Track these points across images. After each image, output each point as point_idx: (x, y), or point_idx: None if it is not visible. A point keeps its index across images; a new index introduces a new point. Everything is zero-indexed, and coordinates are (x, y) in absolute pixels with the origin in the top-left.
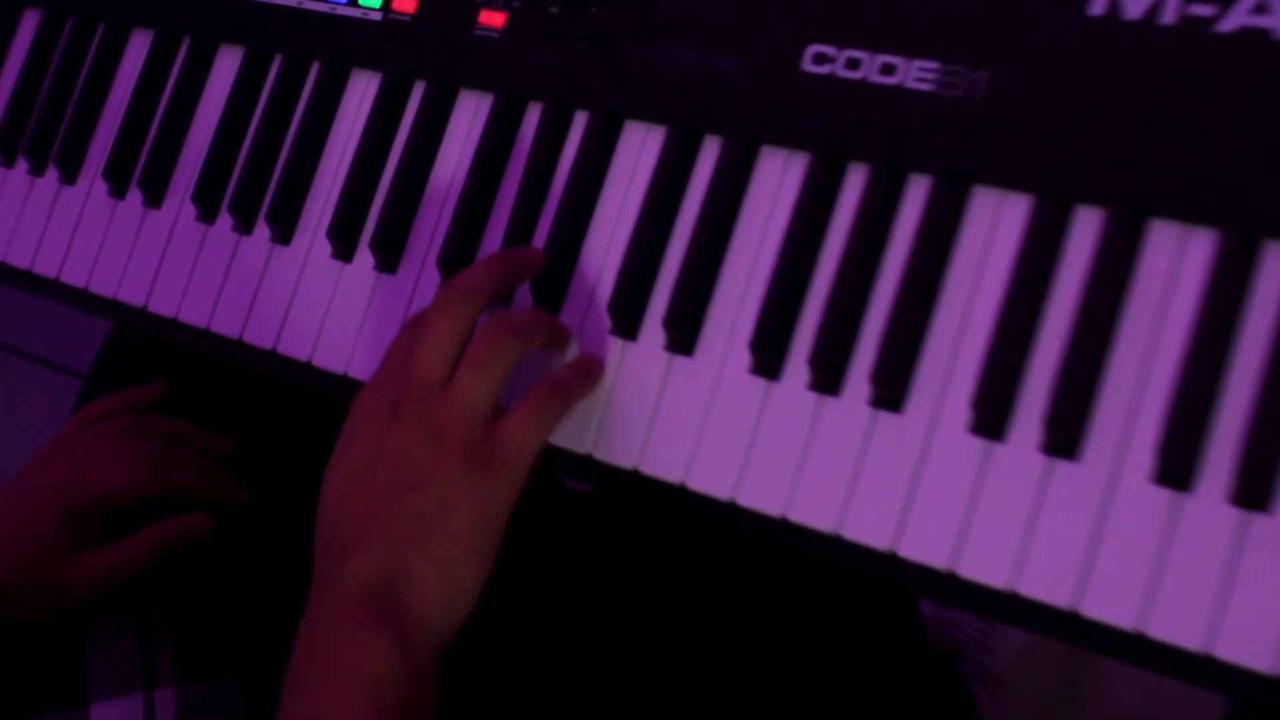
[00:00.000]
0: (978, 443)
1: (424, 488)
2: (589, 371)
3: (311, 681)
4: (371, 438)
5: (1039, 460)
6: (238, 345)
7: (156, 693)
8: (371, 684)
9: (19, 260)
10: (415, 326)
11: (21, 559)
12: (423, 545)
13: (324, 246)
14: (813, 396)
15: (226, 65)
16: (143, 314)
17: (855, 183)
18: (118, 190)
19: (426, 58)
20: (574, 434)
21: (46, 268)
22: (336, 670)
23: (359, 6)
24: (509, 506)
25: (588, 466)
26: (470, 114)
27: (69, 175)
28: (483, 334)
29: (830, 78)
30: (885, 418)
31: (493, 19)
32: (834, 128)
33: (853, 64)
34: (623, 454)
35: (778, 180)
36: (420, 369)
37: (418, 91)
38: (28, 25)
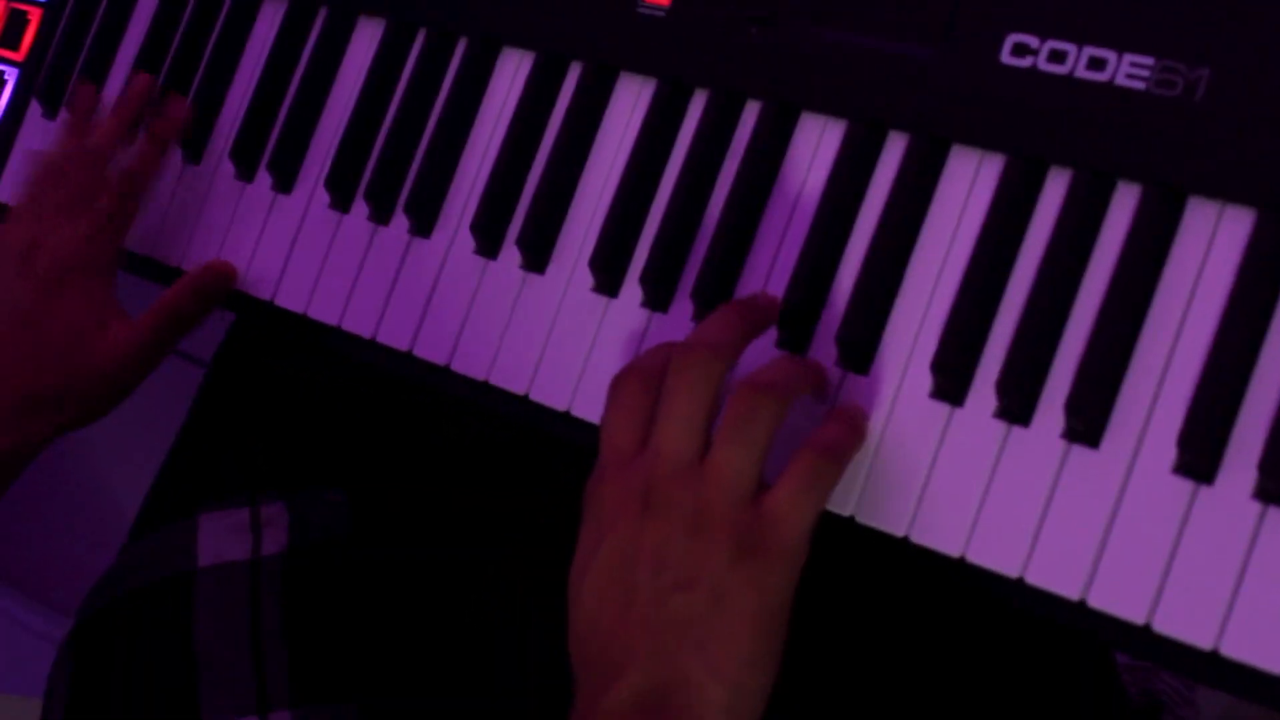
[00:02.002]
0: (1182, 484)
1: (693, 586)
2: (856, 424)
3: None
4: (622, 534)
5: (1254, 509)
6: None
7: (271, 716)
8: None
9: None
10: (638, 389)
11: (52, 364)
12: (699, 652)
13: (467, 241)
14: (999, 426)
15: (365, 39)
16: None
17: (1056, 190)
18: (245, 174)
19: (584, 37)
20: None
21: (165, 254)
22: None
23: None
24: (790, 593)
25: None
26: (631, 100)
27: (194, 155)
28: (740, 400)
29: (1032, 71)
30: (1079, 453)
31: None
32: (1034, 128)
33: (1057, 57)
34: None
35: (968, 184)
36: (669, 448)
37: (574, 74)
38: None
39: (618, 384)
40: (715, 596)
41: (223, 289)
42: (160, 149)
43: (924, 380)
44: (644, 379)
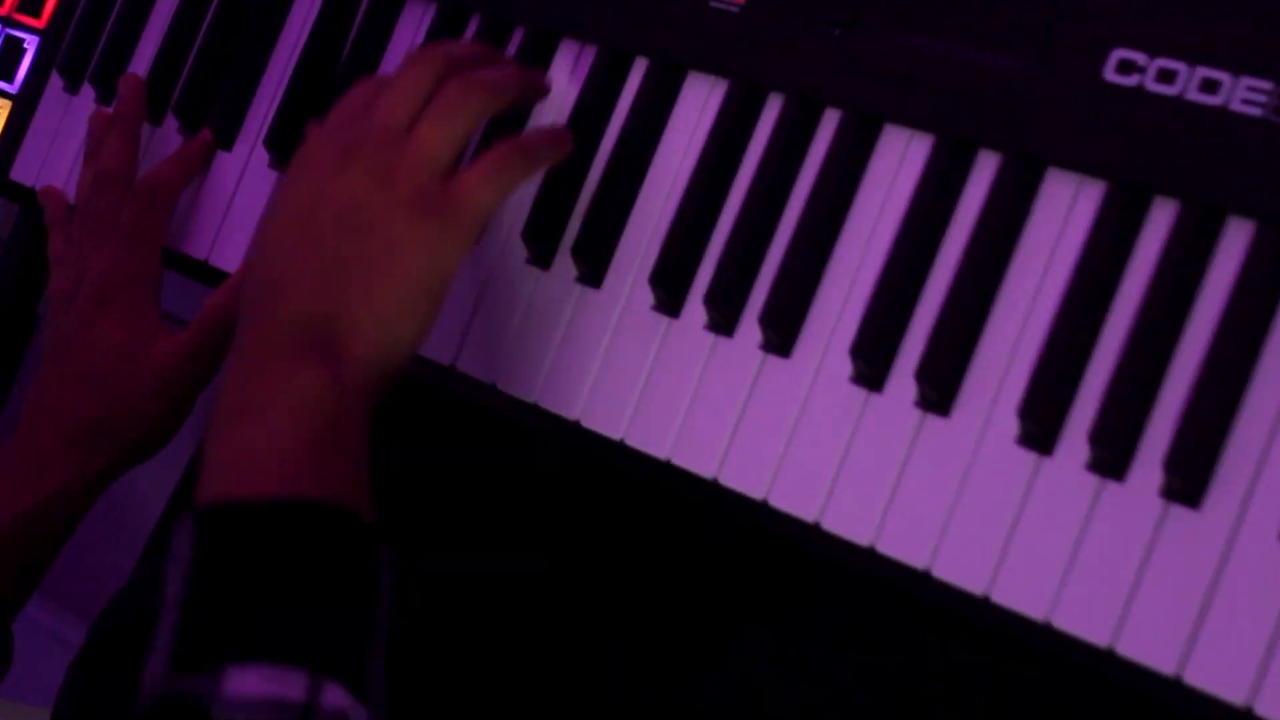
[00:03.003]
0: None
1: (370, 232)
2: (559, 139)
3: (241, 415)
4: (318, 179)
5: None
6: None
7: None
8: (304, 415)
9: (193, 250)
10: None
11: (98, 389)
12: (362, 291)
13: (519, 250)
14: (1092, 480)
15: (412, 20)
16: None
17: (1160, 222)
18: (280, 161)
19: (651, 31)
20: None
21: (191, 246)
22: (269, 405)
23: None
24: (454, 264)
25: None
26: (700, 101)
27: (225, 141)
28: (452, 86)
29: (1138, 91)
30: (1179, 512)
31: None
32: (1138, 152)
33: (1166, 76)
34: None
35: (1064, 212)
36: (381, 114)
37: (638, 70)
38: None
39: (404, 63)
40: (388, 246)
41: None
42: (188, 166)
43: (1011, 428)
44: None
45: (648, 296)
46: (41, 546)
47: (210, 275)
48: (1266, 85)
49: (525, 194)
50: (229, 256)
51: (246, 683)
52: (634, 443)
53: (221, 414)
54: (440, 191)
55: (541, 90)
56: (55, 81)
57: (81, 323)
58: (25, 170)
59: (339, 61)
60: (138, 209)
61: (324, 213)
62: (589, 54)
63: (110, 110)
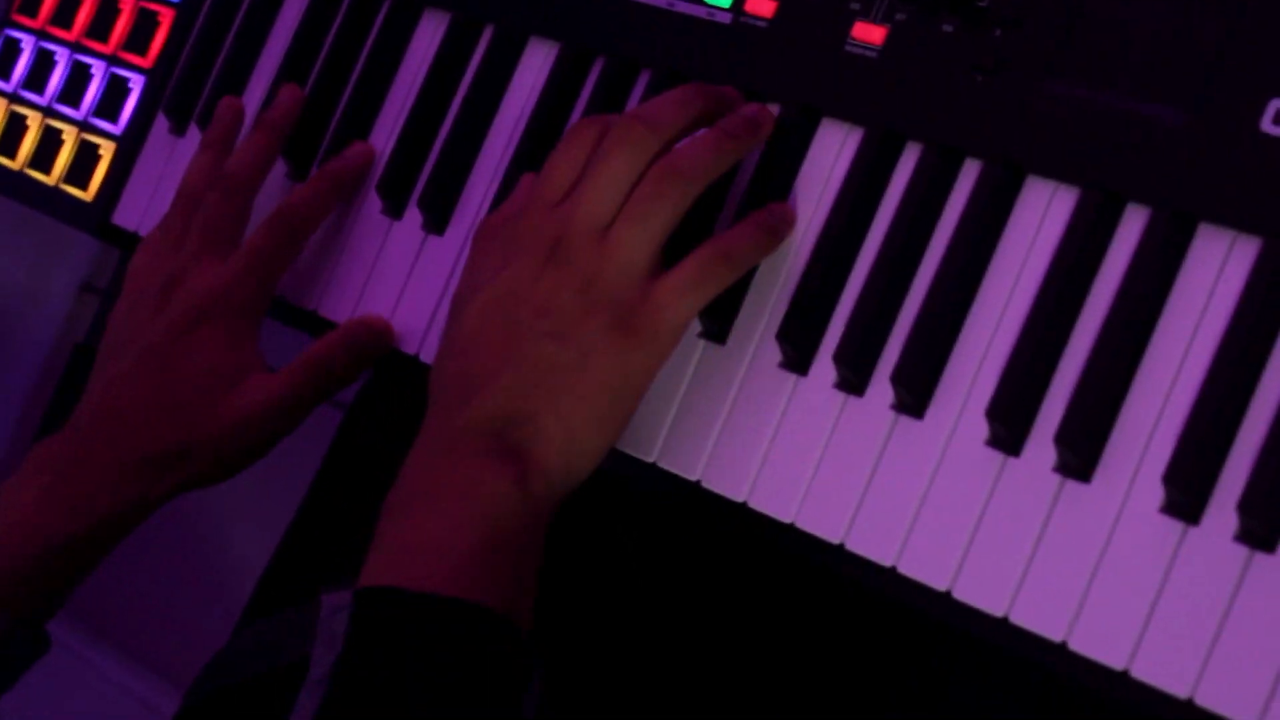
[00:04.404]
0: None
1: (565, 339)
2: (771, 228)
3: (420, 509)
4: (523, 272)
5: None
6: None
7: None
8: (486, 517)
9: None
10: (590, 144)
11: (184, 415)
12: (552, 396)
13: None
14: (1243, 552)
15: (535, 63)
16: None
17: None
18: (393, 209)
19: (784, 74)
20: None
21: (297, 295)
22: (449, 499)
23: (703, 3)
24: (648, 376)
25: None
26: (834, 148)
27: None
28: (648, 180)
29: None
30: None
31: (870, 34)
32: None
33: None
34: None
35: (1217, 268)
36: (587, 208)
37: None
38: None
39: (573, 131)
40: (582, 354)
41: (379, 346)
42: (335, 192)
43: (1156, 496)
44: (599, 136)
45: (775, 353)
46: (87, 560)
47: (316, 325)
48: None
49: None
50: (341, 310)
51: None
52: (756, 505)
53: (399, 496)
54: (638, 301)
55: (760, 137)
56: (161, 123)
57: (171, 336)
58: (128, 215)
59: (457, 99)
60: (268, 236)
61: (523, 312)
62: None
63: (236, 104)
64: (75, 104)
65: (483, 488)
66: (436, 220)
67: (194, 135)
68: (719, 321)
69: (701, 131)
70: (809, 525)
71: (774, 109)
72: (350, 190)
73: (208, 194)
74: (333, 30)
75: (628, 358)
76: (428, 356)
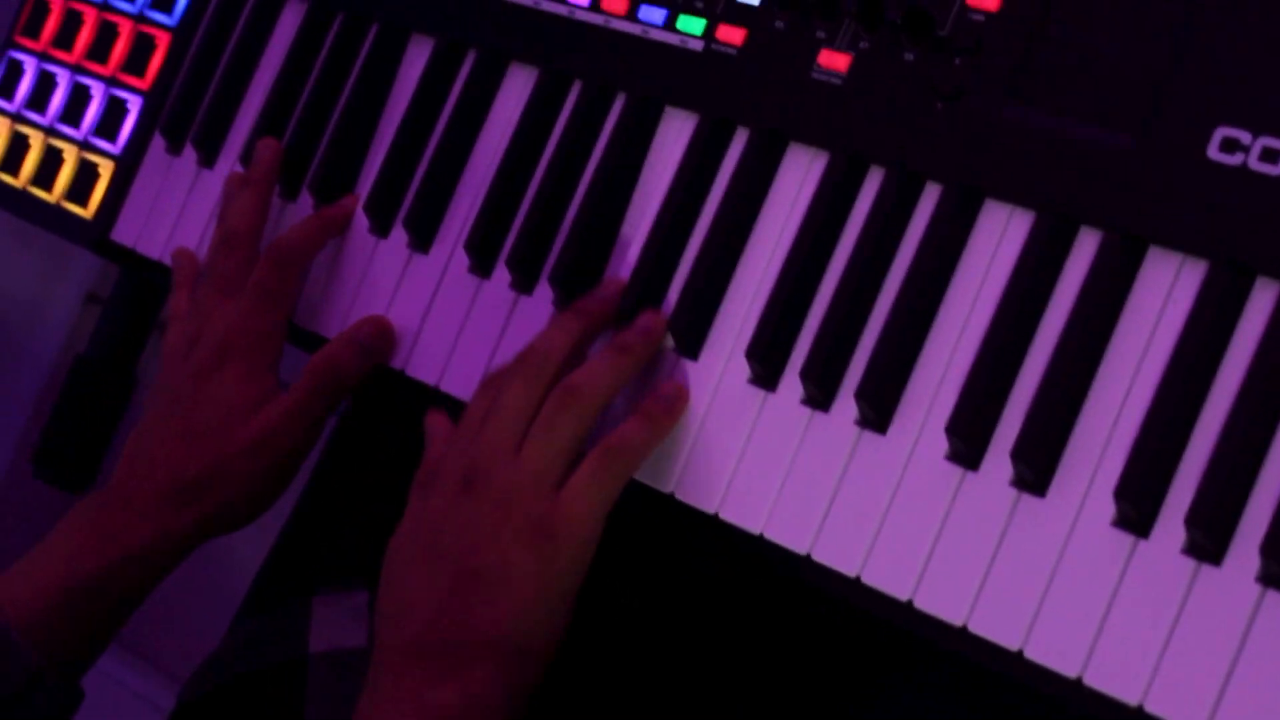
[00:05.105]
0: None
1: (487, 556)
2: (658, 417)
3: None
4: (441, 504)
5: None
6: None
7: None
8: None
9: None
10: (490, 388)
11: (200, 447)
12: (484, 614)
13: None
14: (1190, 565)
15: (516, 87)
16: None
17: (1261, 304)
18: (379, 228)
19: (753, 101)
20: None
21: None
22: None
23: (677, 32)
24: (578, 570)
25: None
26: (799, 172)
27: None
28: (551, 399)
29: (1241, 170)
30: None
31: (835, 61)
32: (1240, 233)
33: (1270, 155)
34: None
35: (1166, 290)
36: (492, 437)
37: (739, 140)
38: (288, 21)
39: (481, 385)
40: (505, 571)
41: (384, 344)
42: (325, 231)
43: (1109, 511)
44: (497, 383)
45: (744, 370)
46: (119, 602)
47: (306, 339)
48: None
49: (628, 263)
50: (330, 326)
51: None
52: (726, 516)
53: None
54: (552, 509)
55: (654, 346)
56: (158, 142)
57: (194, 377)
58: (126, 231)
59: (440, 123)
60: (267, 272)
61: (445, 539)
62: (689, 124)
63: (239, 177)
64: (76, 124)
65: (427, 706)
66: (421, 239)
67: (189, 154)
68: (692, 337)
69: (598, 349)
70: (777, 536)
71: (665, 314)
72: (339, 230)
73: (216, 257)
74: (323, 53)
75: (552, 558)
76: (414, 371)
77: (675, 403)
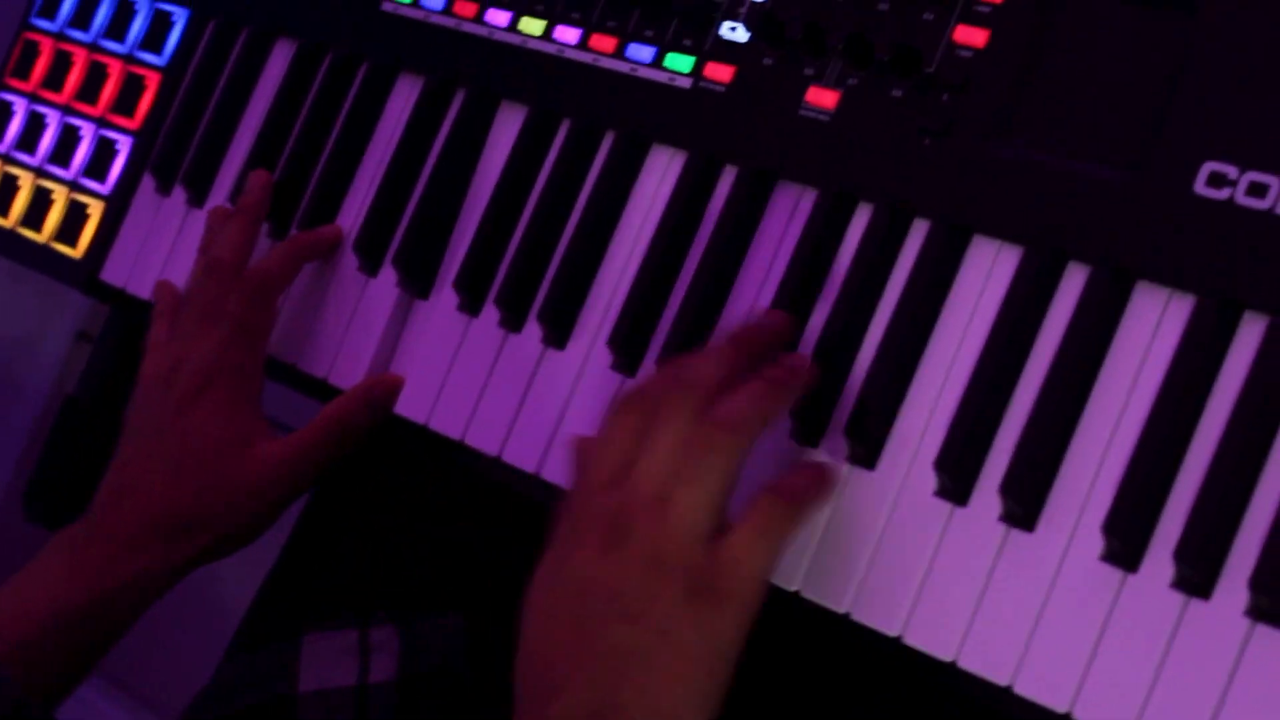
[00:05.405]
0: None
1: (640, 620)
2: (822, 476)
3: None
4: (584, 559)
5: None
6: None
7: None
8: None
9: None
10: (638, 418)
11: (192, 481)
12: (638, 684)
13: (604, 354)
14: (1179, 599)
15: (506, 126)
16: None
17: (1249, 338)
18: (369, 268)
19: (742, 138)
20: None
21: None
22: None
23: (664, 70)
24: (738, 636)
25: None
26: (788, 209)
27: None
28: (700, 441)
29: (1228, 205)
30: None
31: (823, 98)
32: (1226, 267)
33: (1257, 190)
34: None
35: (1153, 325)
36: (644, 482)
37: (728, 178)
38: (278, 61)
39: (617, 407)
40: (660, 633)
41: (392, 403)
42: (298, 260)
43: (1097, 545)
44: (645, 409)
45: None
46: (103, 634)
47: (297, 379)
48: None
49: (616, 301)
50: (319, 365)
51: None
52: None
53: None
54: (709, 565)
55: (802, 384)
56: (147, 182)
57: (178, 408)
58: (116, 271)
59: (429, 163)
60: (245, 301)
61: (594, 597)
62: (677, 161)
63: (223, 211)
64: (65, 164)
65: None
66: (411, 277)
67: (179, 194)
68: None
69: (748, 382)
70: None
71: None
72: (315, 255)
73: (197, 286)
74: (312, 92)
75: (712, 624)
76: (402, 408)
77: (830, 473)
